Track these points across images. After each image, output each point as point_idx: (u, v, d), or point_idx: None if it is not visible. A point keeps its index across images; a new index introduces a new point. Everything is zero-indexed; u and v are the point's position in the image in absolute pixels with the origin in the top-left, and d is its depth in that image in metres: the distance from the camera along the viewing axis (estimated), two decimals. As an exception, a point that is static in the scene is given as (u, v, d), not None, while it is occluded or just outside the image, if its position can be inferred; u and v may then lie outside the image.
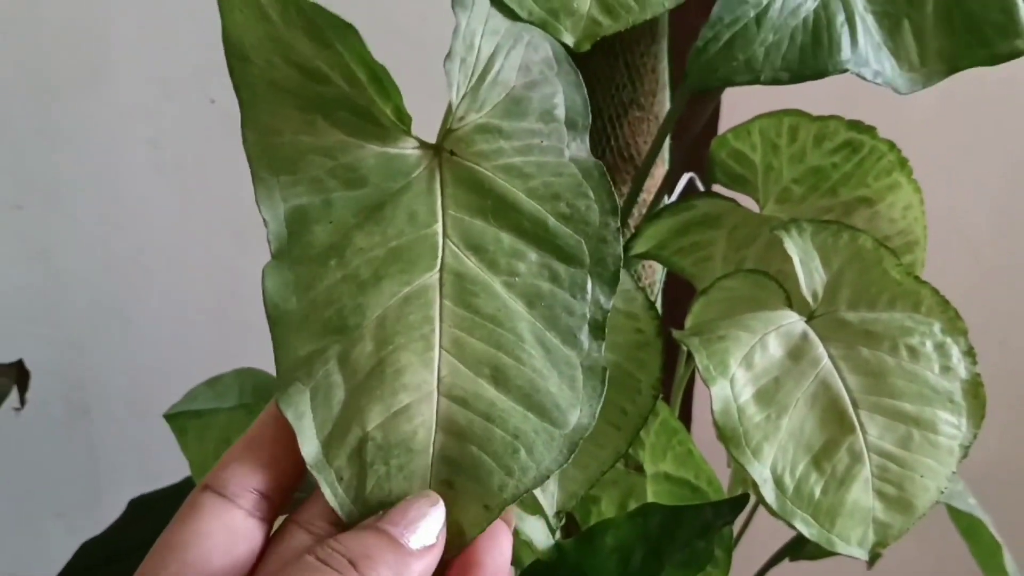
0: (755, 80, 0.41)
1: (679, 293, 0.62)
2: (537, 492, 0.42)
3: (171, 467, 0.68)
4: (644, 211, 0.57)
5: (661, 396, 0.67)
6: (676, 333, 0.45)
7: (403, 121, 0.30)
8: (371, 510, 0.27)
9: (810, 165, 0.50)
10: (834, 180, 0.49)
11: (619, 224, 0.30)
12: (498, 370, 0.28)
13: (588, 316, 0.30)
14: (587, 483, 0.43)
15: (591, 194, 0.31)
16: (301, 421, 0.28)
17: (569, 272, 0.30)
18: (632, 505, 0.55)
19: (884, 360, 0.43)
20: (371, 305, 0.28)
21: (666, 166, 0.59)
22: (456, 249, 0.29)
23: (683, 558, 0.41)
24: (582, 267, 0.30)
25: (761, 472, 0.41)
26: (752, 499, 0.46)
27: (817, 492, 0.41)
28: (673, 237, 0.52)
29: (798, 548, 0.60)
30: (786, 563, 0.62)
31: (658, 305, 0.64)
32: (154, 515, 0.64)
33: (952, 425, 0.42)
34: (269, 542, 0.27)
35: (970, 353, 0.43)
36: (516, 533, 0.33)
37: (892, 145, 0.48)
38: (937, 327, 0.43)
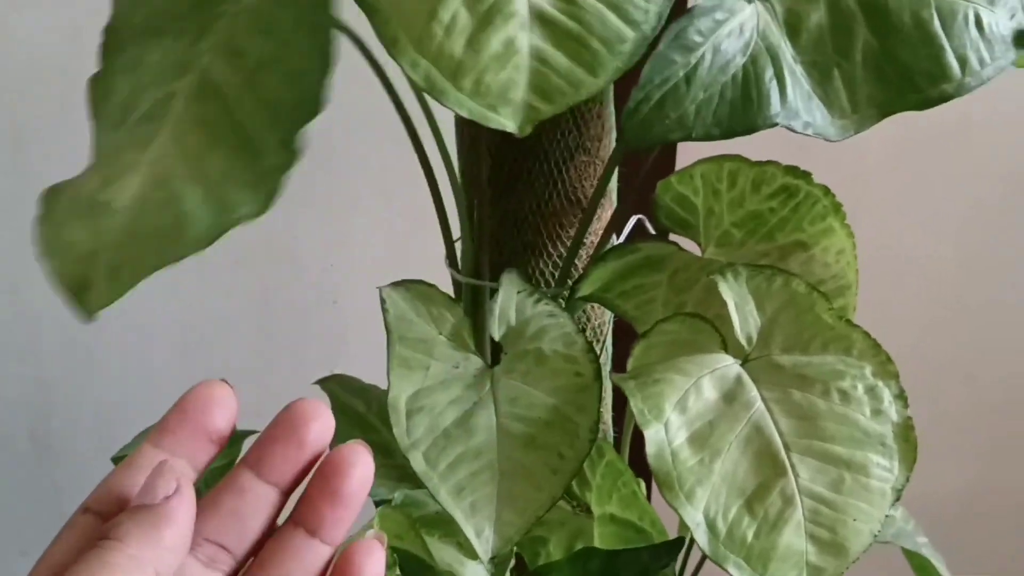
0: (688, 137, 0.42)
1: (632, 332, 0.63)
2: (472, 537, 0.43)
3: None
4: (592, 252, 0.58)
5: (615, 435, 0.67)
6: (614, 377, 0.46)
7: None
8: None
9: (749, 210, 0.51)
10: (771, 224, 0.50)
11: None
12: None
13: None
14: (523, 528, 0.43)
15: None
16: None
17: None
18: (579, 547, 0.55)
19: (816, 403, 0.43)
20: None
21: (613, 207, 0.60)
22: None
23: (620, 602, 0.41)
24: None
25: (694, 516, 0.41)
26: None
27: (750, 536, 0.41)
28: (617, 280, 0.52)
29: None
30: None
31: (608, 344, 0.64)
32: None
33: (884, 468, 0.43)
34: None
35: (901, 396, 0.44)
36: None
37: (826, 190, 0.49)
38: (868, 370, 0.44)
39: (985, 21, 0.45)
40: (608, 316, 0.62)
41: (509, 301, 0.50)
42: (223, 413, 0.27)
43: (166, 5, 0.37)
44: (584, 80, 0.33)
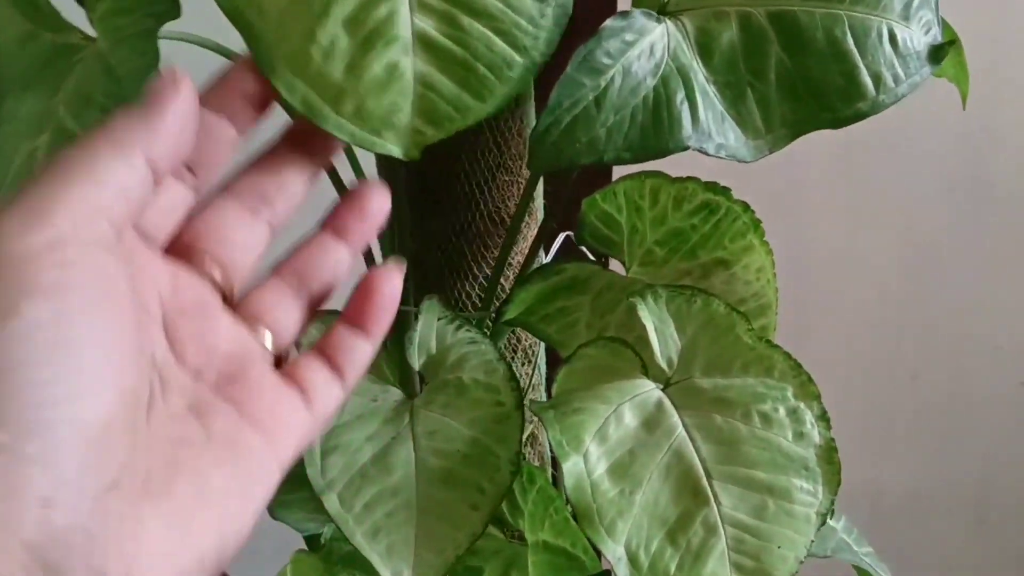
0: (600, 161, 0.41)
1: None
2: (390, 581, 0.41)
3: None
4: (518, 273, 0.57)
5: (552, 455, 0.66)
6: (534, 407, 0.45)
7: None
8: None
9: (671, 227, 0.50)
10: (693, 242, 0.49)
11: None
12: None
13: None
14: (442, 568, 0.41)
15: None
16: None
17: None
18: None
19: (737, 428, 0.43)
20: None
21: (538, 224, 0.59)
22: None
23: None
24: None
25: (615, 551, 0.40)
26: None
27: (673, 568, 0.41)
28: (540, 303, 0.51)
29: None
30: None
31: (542, 365, 0.63)
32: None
33: (808, 492, 0.42)
34: None
35: (824, 418, 0.43)
36: None
37: (746, 206, 0.49)
38: (790, 392, 0.43)
39: (899, 37, 0.45)
40: (539, 336, 0.61)
41: (429, 329, 0.49)
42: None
43: (30, 59, 0.36)
44: (471, 106, 0.31)
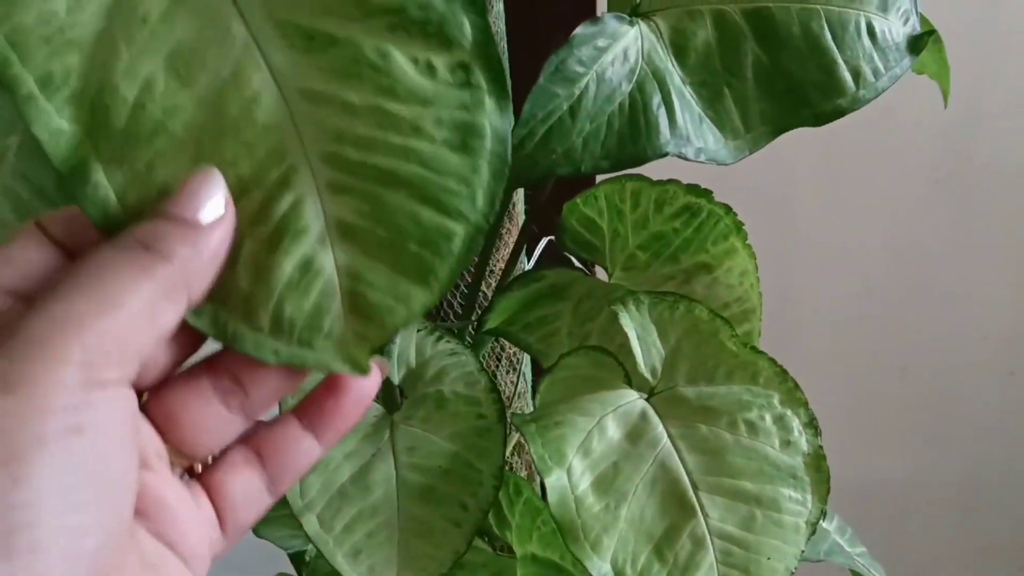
0: (577, 171, 0.40)
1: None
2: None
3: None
4: (499, 280, 0.56)
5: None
6: (515, 420, 0.44)
7: None
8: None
9: (653, 231, 0.49)
10: (676, 246, 0.49)
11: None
12: None
13: None
14: (426, 587, 0.40)
15: None
16: None
17: None
18: (501, 588, 0.53)
19: (723, 437, 0.42)
20: None
21: (518, 229, 0.58)
22: None
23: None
24: None
25: (601, 567, 0.39)
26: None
27: (660, 582, 0.40)
28: (521, 312, 0.50)
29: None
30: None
31: (527, 372, 0.63)
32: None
33: (796, 502, 0.41)
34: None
35: (811, 424, 0.42)
36: None
37: (728, 209, 0.48)
38: (776, 399, 0.43)
39: (878, 29, 0.44)
40: (523, 343, 0.60)
41: (408, 341, 0.48)
42: None
43: None
44: (412, 291, 0.26)
